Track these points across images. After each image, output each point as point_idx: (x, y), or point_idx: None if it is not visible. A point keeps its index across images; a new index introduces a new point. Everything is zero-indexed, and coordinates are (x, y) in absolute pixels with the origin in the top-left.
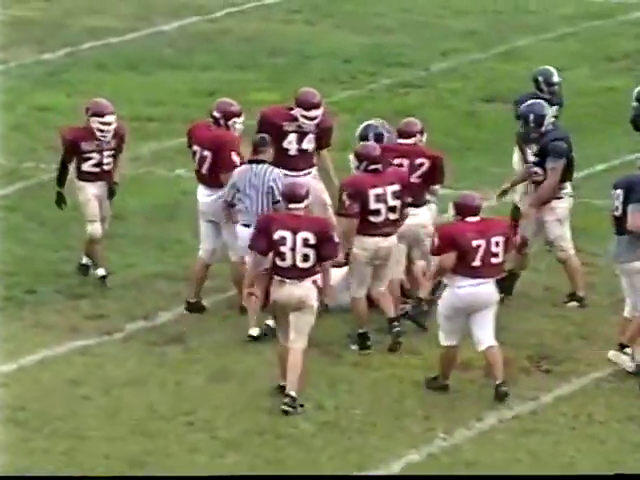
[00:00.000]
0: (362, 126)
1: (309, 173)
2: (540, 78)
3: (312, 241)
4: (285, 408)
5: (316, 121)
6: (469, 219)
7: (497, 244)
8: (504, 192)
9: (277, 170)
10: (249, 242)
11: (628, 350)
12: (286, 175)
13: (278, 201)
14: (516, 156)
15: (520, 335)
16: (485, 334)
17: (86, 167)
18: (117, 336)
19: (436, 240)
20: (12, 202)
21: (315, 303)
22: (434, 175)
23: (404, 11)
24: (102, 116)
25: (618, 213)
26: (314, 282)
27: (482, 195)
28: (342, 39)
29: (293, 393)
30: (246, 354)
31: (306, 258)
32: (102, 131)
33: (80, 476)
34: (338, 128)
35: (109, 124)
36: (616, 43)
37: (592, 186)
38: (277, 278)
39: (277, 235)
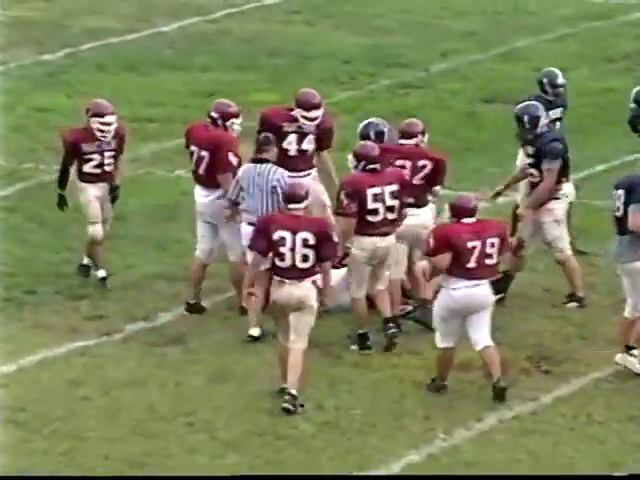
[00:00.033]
0: (363, 124)
1: (309, 174)
2: (545, 80)
3: (311, 241)
4: (285, 405)
5: (316, 122)
6: (465, 220)
7: (492, 245)
8: (497, 194)
9: (281, 169)
10: (249, 242)
11: (635, 352)
12: None
13: None
14: (520, 157)
15: (520, 336)
16: (481, 335)
17: (87, 168)
18: (117, 337)
19: (431, 241)
20: (12, 203)
21: (315, 303)
22: (436, 177)
23: (404, 12)
24: (102, 116)
25: (619, 213)
26: (314, 282)
27: (482, 196)
28: (342, 40)
29: (294, 391)
30: (246, 355)
31: (305, 258)
32: (102, 131)
33: (80, 476)
34: (338, 129)
35: (109, 124)
36: (616, 44)
37: (592, 187)
38: (277, 278)
39: (276, 236)
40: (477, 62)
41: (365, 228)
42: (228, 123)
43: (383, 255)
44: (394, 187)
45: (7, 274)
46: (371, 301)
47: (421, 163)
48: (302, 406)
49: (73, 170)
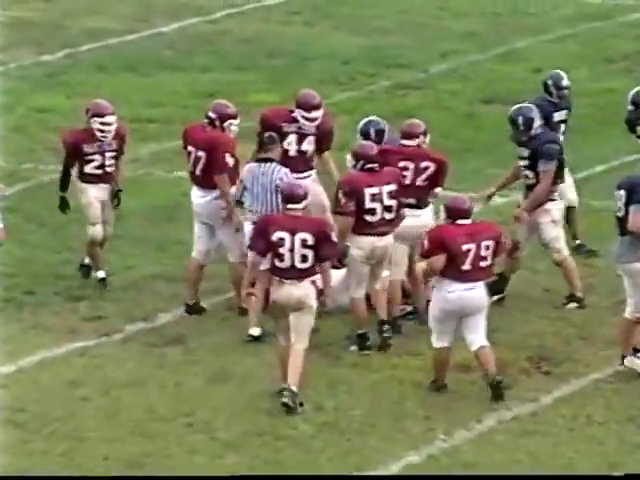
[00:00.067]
0: (363, 122)
1: (309, 176)
2: (550, 82)
3: (310, 242)
4: (285, 400)
5: (316, 122)
6: (460, 222)
7: (487, 248)
8: (490, 197)
9: (284, 169)
10: (248, 242)
11: None
12: None
13: None
14: None
15: (520, 337)
16: (477, 336)
17: (88, 169)
18: (116, 337)
19: (426, 242)
20: (12, 203)
21: (314, 303)
22: (438, 178)
23: (403, 12)
24: (102, 117)
25: (621, 214)
26: (313, 282)
27: (476, 197)
28: (341, 40)
29: (294, 388)
30: (245, 355)
31: (305, 259)
32: (103, 132)
33: (79, 476)
34: (337, 129)
35: (109, 125)
36: (615, 44)
37: (591, 187)
38: (276, 279)
39: (275, 236)
40: (476, 63)
41: (363, 227)
42: (226, 124)
43: (381, 255)
44: (392, 187)
45: (6, 275)
46: (371, 302)
47: (424, 165)
48: (302, 405)
49: (74, 171)
